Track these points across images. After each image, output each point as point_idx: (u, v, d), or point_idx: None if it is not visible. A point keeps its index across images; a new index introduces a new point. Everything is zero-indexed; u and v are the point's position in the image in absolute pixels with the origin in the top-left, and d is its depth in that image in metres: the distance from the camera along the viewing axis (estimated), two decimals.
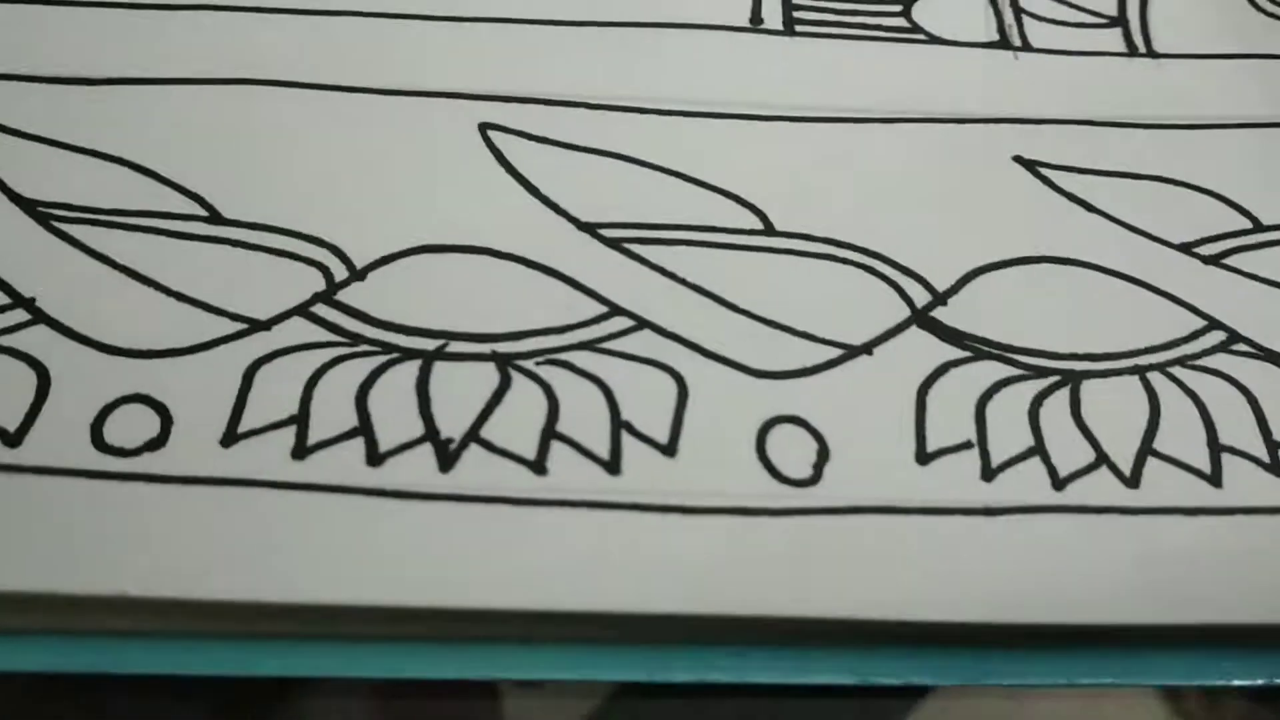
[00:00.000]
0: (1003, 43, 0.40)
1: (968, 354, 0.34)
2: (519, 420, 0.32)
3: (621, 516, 0.31)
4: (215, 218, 0.35)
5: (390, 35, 0.38)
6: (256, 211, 0.35)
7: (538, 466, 0.31)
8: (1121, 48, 0.40)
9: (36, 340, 0.33)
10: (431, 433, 0.31)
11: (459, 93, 0.37)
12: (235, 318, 0.33)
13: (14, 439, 0.31)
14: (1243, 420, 0.34)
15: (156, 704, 0.30)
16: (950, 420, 0.33)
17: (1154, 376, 0.34)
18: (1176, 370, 0.34)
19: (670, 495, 0.31)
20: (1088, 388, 0.34)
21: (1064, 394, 0.34)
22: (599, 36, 0.39)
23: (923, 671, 0.31)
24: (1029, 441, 0.33)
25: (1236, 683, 0.32)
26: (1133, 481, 0.33)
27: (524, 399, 0.32)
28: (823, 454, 0.32)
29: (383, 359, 0.32)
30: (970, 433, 0.33)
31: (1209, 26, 0.41)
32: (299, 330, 0.33)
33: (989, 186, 0.37)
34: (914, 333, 0.34)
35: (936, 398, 0.33)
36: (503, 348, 0.33)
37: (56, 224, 0.35)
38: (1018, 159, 0.37)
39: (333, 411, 0.32)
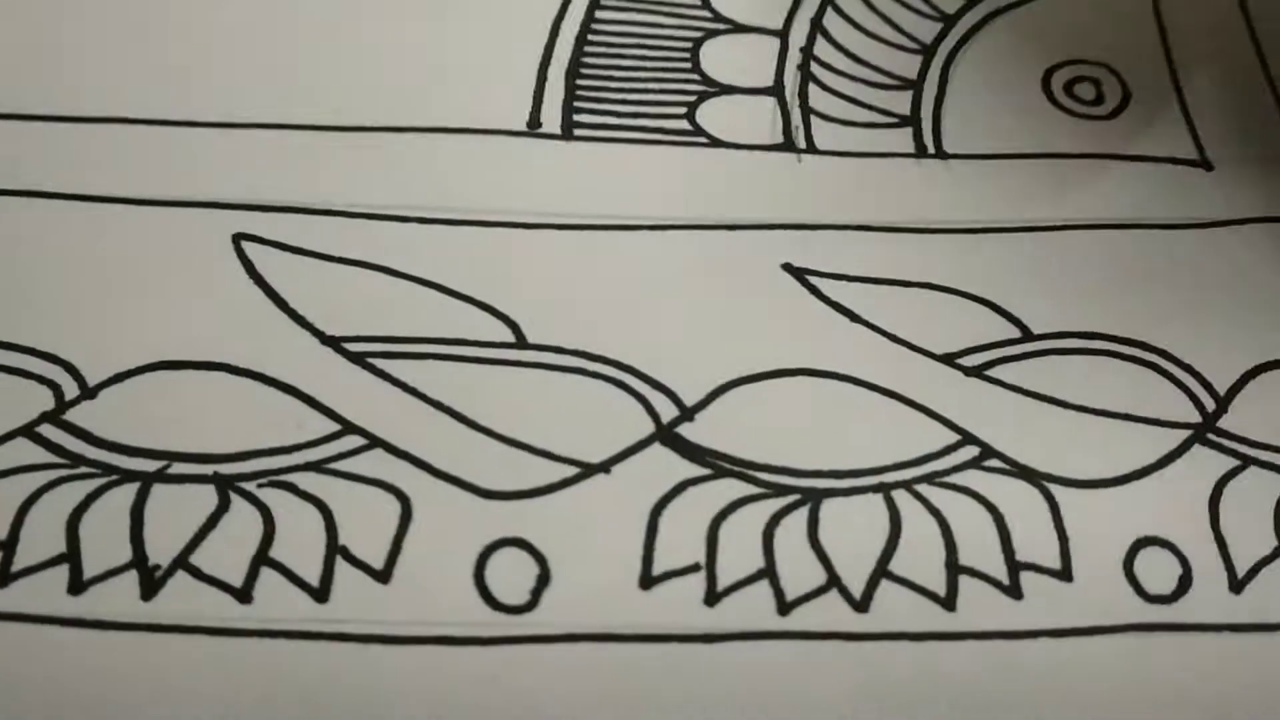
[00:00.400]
0: (787, 145, 0.39)
1: (708, 472, 0.34)
2: (232, 545, 0.32)
3: (324, 647, 0.30)
4: None
5: (145, 141, 0.38)
6: None
7: (243, 594, 0.31)
8: (910, 148, 0.40)
9: None
10: (139, 559, 0.31)
11: (214, 201, 0.37)
12: None
13: None
14: (986, 540, 0.34)
15: None
16: (681, 542, 0.33)
17: (898, 494, 0.34)
18: (923, 488, 0.34)
19: (375, 624, 0.31)
20: (828, 507, 0.33)
21: (803, 513, 0.33)
22: (366, 142, 0.38)
23: None
24: (760, 564, 0.32)
25: None
26: (862, 605, 0.32)
27: (240, 523, 0.32)
28: (542, 579, 0.32)
29: (101, 482, 0.32)
30: (700, 555, 0.32)
31: (1003, 124, 0.40)
32: (21, 452, 0.33)
33: (753, 296, 0.36)
34: (656, 450, 0.34)
35: (670, 518, 0.33)
36: (226, 469, 0.33)
37: None
38: (786, 267, 0.37)
39: (42, 538, 0.32)
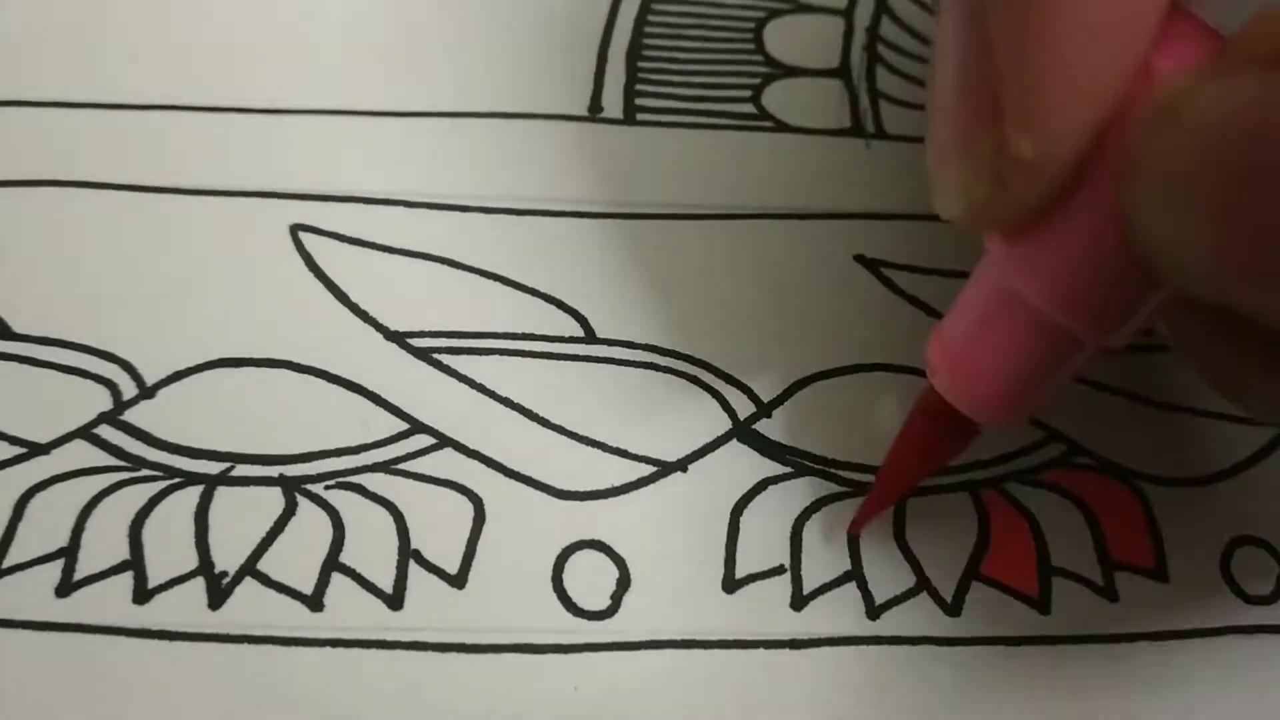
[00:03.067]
0: (855, 130, 0.38)
1: (789, 470, 0.32)
2: (301, 550, 0.31)
3: (398, 656, 0.29)
4: (5, 332, 0.33)
5: (199, 128, 0.37)
6: (49, 325, 0.33)
7: (314, 602, 0.30)
8: None
9: None
10: (205, 566, 0.30)
11: (270, 191, 0.35)
12: (14, 441, 0.32)
13: None
14: (1078, 540, 0.32)
15: None
16: (764, 543, 0.32)
17: (986, 493, 0.32)
18: (1011, 486, 0.32)
19: (452, 632, 0.30)
20: (914, 506, 0.32)
21: (888, 513, 0.32)
22: (423, 128, 0.37)
23: None
24: (846, 565, 0.31)
25: None
26: (954, 609, 0.31)
27: (308, 527, 0.31)
28: (623, 582, 0.31)
29: (163, 485, 0.31)
30: (784, 556, 0.31)
31: None
32: (80, 454, 0.31)
33: (827, 288, 0.35)
34: (734, 447, 0.33)
35: (752, 518, 0.32)
36: (291, 470, 0.31)
37: None
38: (859, 258, 0.35)
39: (105, 545, 0.30)
